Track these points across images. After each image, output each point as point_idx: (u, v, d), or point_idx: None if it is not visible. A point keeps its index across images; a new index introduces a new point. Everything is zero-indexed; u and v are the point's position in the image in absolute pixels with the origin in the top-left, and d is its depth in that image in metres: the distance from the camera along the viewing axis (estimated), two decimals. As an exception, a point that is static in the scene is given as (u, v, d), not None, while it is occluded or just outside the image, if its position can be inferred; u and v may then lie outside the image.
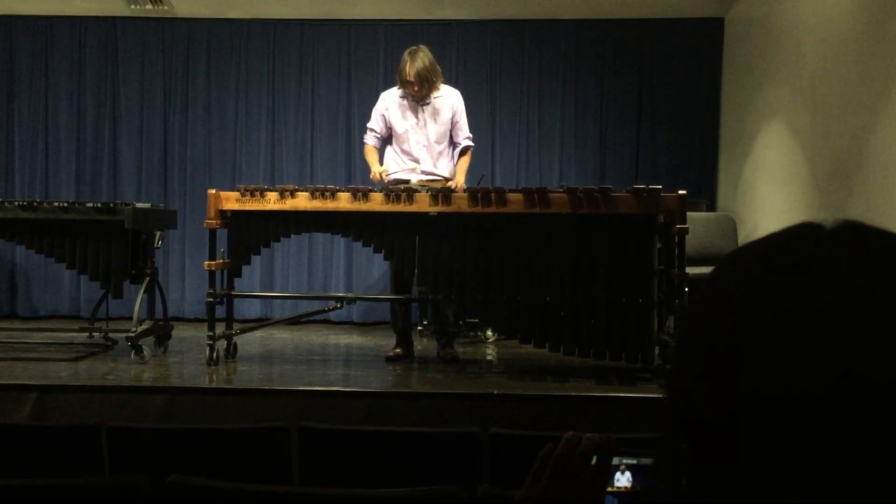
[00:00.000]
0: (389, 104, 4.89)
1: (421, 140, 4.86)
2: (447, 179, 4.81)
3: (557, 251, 4.17)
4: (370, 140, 4.95)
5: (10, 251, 6.61)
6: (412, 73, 4.66)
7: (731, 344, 0.55)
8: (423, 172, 4.81)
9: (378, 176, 4.74)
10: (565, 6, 6.48)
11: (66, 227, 4.55)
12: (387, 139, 4.97)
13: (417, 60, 4.66)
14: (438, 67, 4.82)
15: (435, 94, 4.82)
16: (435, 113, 4.85)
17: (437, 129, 4.85)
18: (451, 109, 4.87)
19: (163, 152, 6.80)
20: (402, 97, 4.84)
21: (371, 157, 4.92)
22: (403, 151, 4.89)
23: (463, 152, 4.96)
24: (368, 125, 4.98)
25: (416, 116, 4.85)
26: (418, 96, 4.78)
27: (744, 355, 0.54)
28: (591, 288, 4.11)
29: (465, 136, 4.93)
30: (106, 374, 4.20)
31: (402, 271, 4.47)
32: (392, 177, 4.81)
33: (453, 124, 4.90)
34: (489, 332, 5.60)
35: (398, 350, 4.74)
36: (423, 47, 4.79)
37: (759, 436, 0.52)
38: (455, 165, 4.94)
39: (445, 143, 4.91)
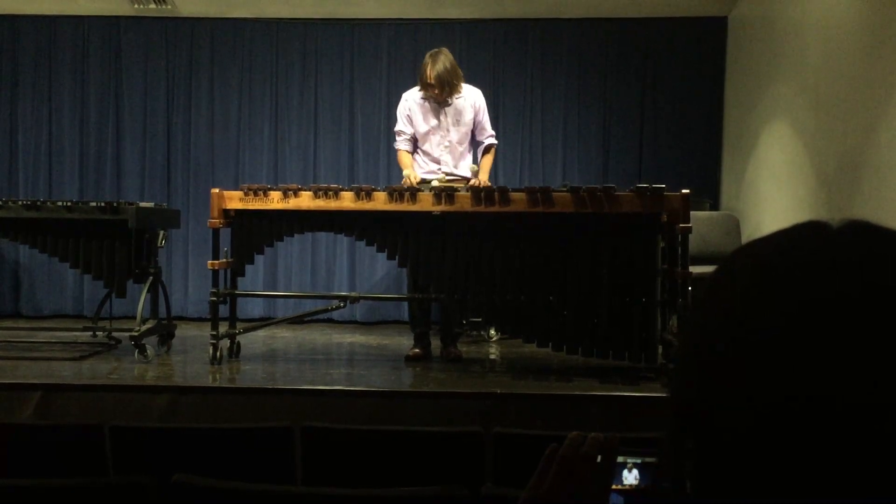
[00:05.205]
0: (412, 105, 4.86)
1: (443, 142, 4.85)
2: (468, 180, 4.77)
3: (561, 250, 4.16)
4: (402, 145, 4.89)
5: (14, 251, 6.63)
6: (433, 77, 4.64)
7: (736, 343, 0.55)
8: (445, 174, 4.79)
9: (409, 181, 4.62)
10: (568, 5, 6.48)
11: (70, 227, 4.55)
12: (415, 140, 4.92)
13: (438, 63, 4.64)
14: (459, 70, 4.79)
15: (456, 95, 4.79)
16: (457, 114, 4.83)
17: (458, 130, 4.84)
18: (473, 109, 4.85)
19: (166, 151, 6.80)
20: (424, 98, 4.82)
21: (405, 160, 4.86)
22: (425, 153, 4.87)
23: (487, 150, 4.94)
24: (396, 129, 4.93)
25: (438, 118, 4.83)
26: (439, 99, 4.77)
27: (748, 354, 0.54)
28: (594, 287, 4.11)
29: (488, 135, 4.92)
30: (109, 373, 4.20)
31: (417, 279, 4.46)
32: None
33: (476, 124, 4.88)
34: (492, 332, 5.60)
35: (417, 350, 4.74)
36: (444, 50, 4.76)
37: (765, 436, 0.52)
38: (479, 163, 4.91)
39: (467, 143, 4.90)
